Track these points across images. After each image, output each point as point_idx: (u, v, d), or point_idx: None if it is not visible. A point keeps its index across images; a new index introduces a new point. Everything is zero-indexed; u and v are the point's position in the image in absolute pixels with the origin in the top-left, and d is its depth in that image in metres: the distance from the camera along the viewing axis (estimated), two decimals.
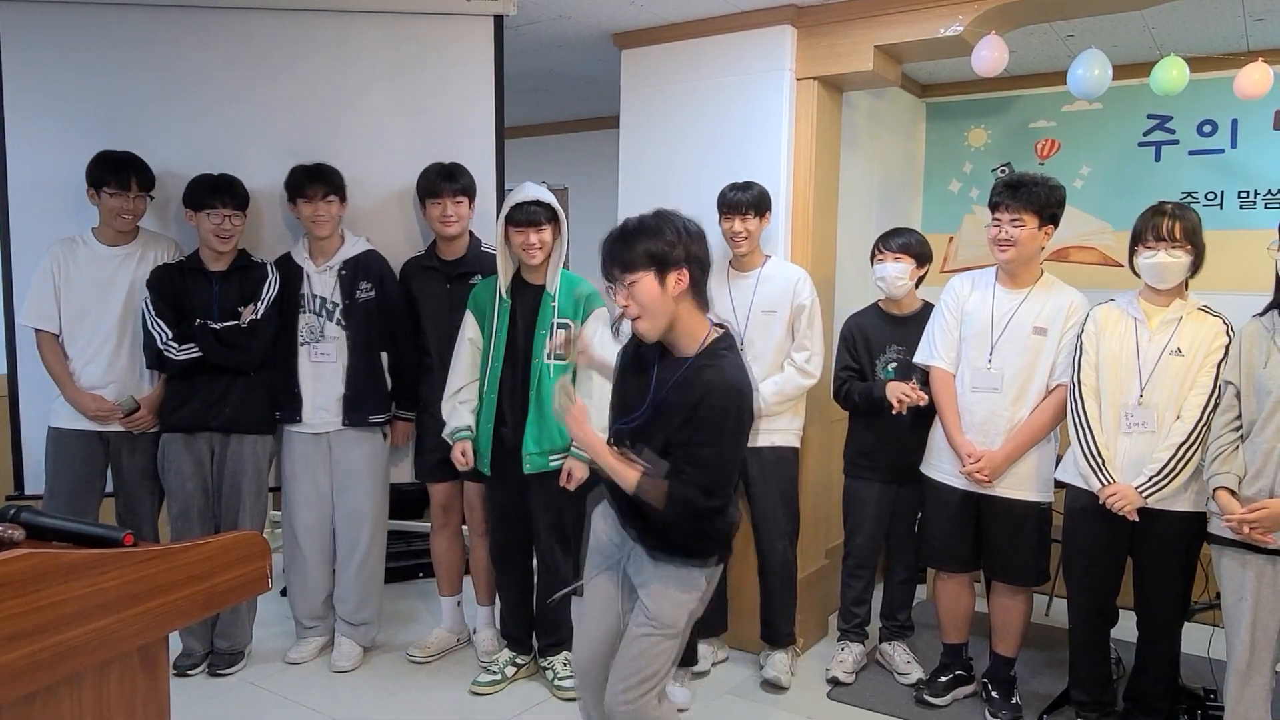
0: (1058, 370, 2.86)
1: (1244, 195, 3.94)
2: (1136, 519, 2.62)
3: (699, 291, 2.00)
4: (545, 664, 3.20)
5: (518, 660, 3.24)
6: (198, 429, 3.15)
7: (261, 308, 3.16)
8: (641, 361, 2.13)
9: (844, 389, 3.29)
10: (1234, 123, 3.94)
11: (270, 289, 3.20)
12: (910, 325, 3.24)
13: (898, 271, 3.19)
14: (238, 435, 3.21)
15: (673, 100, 3.70)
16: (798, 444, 3.33)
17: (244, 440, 3.22)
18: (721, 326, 2.07)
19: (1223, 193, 3.98)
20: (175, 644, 3.28)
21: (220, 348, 3.10)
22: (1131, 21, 3.44)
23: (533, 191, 2.97)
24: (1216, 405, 2.56)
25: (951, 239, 4.59)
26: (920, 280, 3.29)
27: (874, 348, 3.28)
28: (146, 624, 1.15)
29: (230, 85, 3.34)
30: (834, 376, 3.35)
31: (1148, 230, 2.66)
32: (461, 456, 3.10)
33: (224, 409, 3.16)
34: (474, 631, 3.54)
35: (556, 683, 3.13)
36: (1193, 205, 3.97)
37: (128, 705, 1.20)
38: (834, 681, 3.27)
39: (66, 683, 1.12)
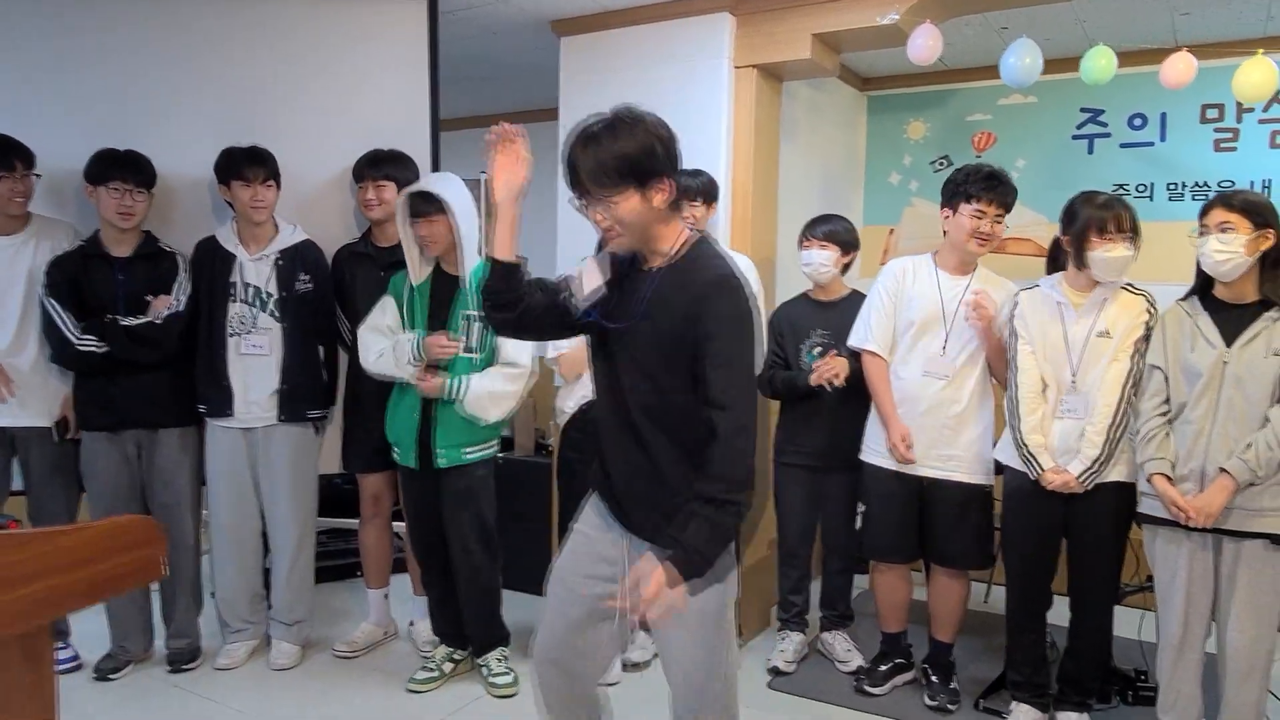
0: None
1: (1173, 187, 4.02)
2: (1081, 490, 2.62)
3: (678, 199, 1.81)
4: (481, 661, 3.14)
5: (455, 656, 3.18)
6: (122, 427, 3.03)
7: (180, 302, 3.05)
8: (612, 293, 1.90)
9: (766, 375, 3.27)
10: (1163, 116, 4.02)
11: (184, 282, 3.09)
12: (835, 311, 3.25)
13: (822, 259, 3.20)
14: (166, 430, 3.10)
15: (612, 89, 3.66)
16: None
17: (173, 434, 3.11)
18: (698, 231, 1.89)
19: (1153, 184, 4.06)
20: (101, 645, 3.18)
21: (131, 345, 2.97)
22: (1063, 15, 3.49)
23: (424, 183, 2.95)
24: (1136, 383, 2.59)
25: (892, 231, 4.63)
26: (847, 267, 3.30)
27: (798, 333, 3.28)
28: (24, 610, 1.07)
29: (150, 63, 3.22)
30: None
31: (1108, 221, 2.59)
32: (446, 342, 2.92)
33: (149, 403, 3.04)
34: (411, 624, 3.48)
35: (490, 679, 3.07)
36: (1124, 197, 4.07)
37: (5, 700, 1.12)
38: (775, 671, 3.26)
39: None
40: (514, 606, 3.28)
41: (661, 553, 1.77)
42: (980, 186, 2.84)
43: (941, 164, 4.50)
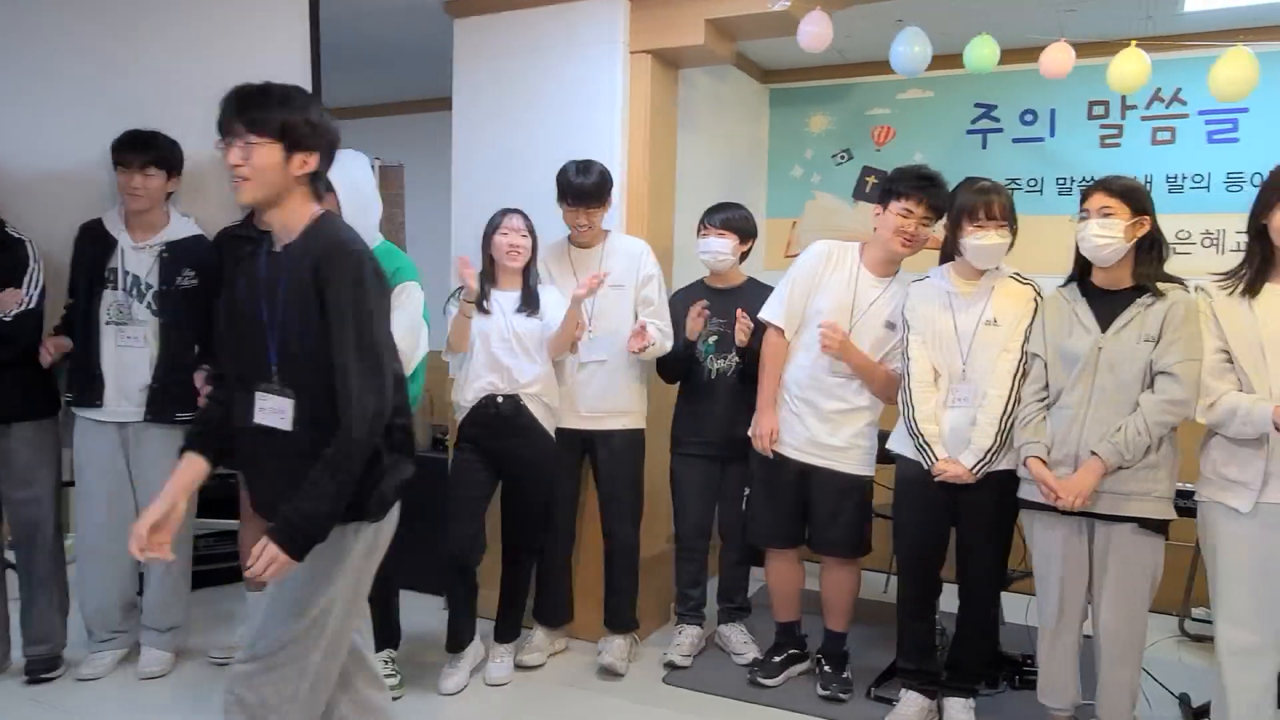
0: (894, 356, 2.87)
1: (1061, 181, 4.12)
2: (973, 480, 2.62)
3: (317, 180, 1.89)
4: None
5: None
6: None
7: (32, 298, 2.86)
8: (253, 280, 1.90)
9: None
10: (1052, 112, 4.12)
11: (35, 274, 2.89)
12: (731, 298, 3.22)
13: (720, 246, 3.18)
14: (20, 424, 2.90)
15: (509, 75, 3.58)
16: (644, 425, 3.28)
17: (27, 428, 2.91)
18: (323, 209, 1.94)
19: (1043, 179, 4.15)
20: None
21: None
22: (956, 9, 3.53)
23: None
24: (1026, 373, 2.61)
25: (795, 224, 4.64)
26: (745, 255, 3.29)
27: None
28: None
29: (19, 44, 3.02)
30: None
31: (978, 209, 2.60)
32: None
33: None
34: None
35: None
36: (1015, 191, 4.15)
37: None
38: (670, 665, 3.22)
39: None
40: (404, 608, 3.16)
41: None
42: (909, 185, 2.81)
43: (842, 157, 4.53)
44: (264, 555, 1.72)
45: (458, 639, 3.11)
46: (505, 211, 3.07)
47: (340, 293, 1.76)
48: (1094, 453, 2.37)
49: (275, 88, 1.82)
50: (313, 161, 1.83)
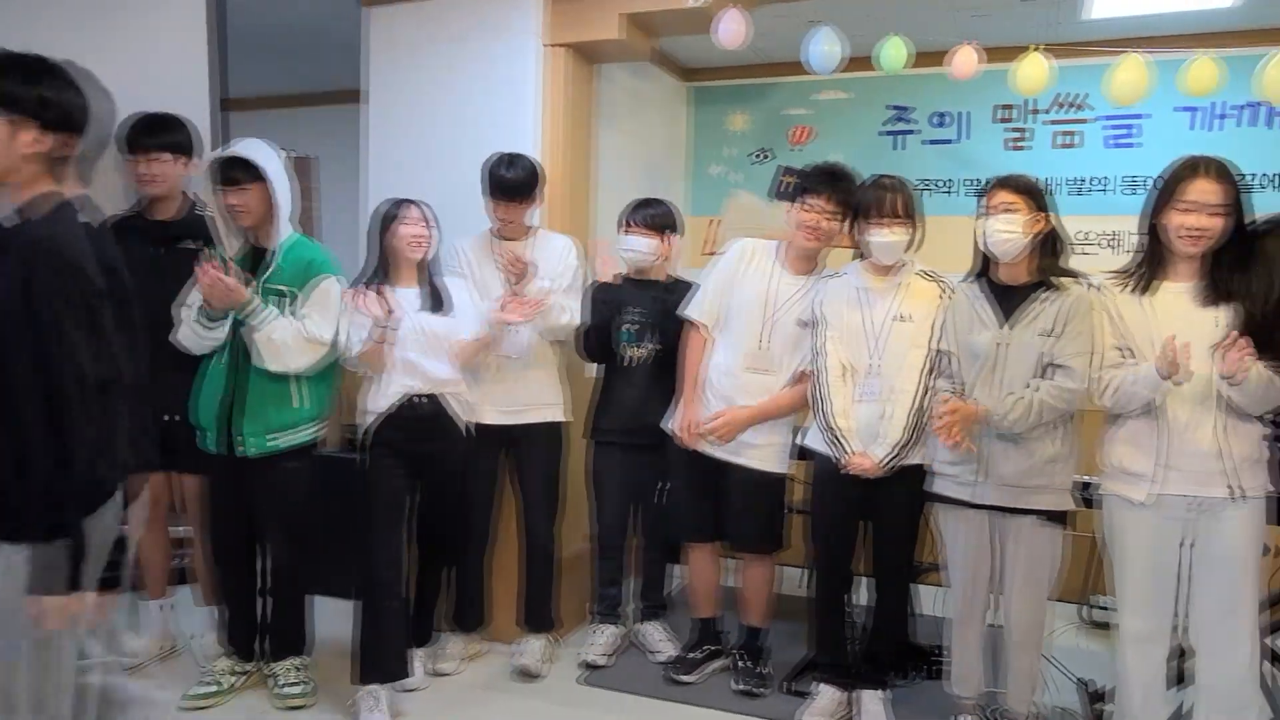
0: (809, 357, 2.88)
1: (972, 183, 4.22)
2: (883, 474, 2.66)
3: (62, 165, 1.75)
4: (269, 671, 2.91)
5: (238, 669, 2.93)
6: None
7: None
8: None
9: (580, 332, 3.21)
10: (961, 115, 4.22)
11: None
12: (651, 290, 3.21)
13: (646, 246, 3.17)
14: None
15: (421, 64, 3.50)
16: (566, 418, 3.24)
17: None
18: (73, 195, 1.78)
19: (953, 180, 4.25)
20: None
21: None
22: (870, 12, 3.58)
23: (236, 149, 2.71)
24: (934, 368, 2.66)
25: (716, 222, 4.65)
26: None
27: (614, 311, 3.23)
28: None
29: None
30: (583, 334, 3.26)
31: (874, 206, 2.66)
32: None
33: None
34: (191, 636, 3.20)
35: (277, 691, 2.85)
36: (927, 191, 4.24)
37: None
38: (588, 665, 3.18)
39: None
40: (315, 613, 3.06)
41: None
42: (815, 180, 2.84)
43: (761, 157, 4.56)
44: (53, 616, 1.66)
45: (382, 670, 2.83)
46: (401, 201, 2.89)
47: (43, 300, 1.63)
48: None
49: (6, 56, 1.68)
50: (48, 141, 1.69)
